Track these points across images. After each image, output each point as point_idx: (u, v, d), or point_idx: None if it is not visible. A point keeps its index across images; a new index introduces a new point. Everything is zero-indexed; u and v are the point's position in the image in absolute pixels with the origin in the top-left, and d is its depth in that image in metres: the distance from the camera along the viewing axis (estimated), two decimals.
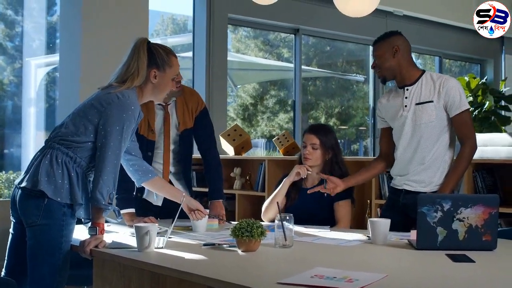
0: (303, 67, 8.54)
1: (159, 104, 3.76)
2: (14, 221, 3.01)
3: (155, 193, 3.72)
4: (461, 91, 3.45)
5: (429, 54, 10.24)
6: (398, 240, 3.03)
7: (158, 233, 2.83)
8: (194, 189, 4.46)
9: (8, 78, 6.62)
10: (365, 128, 10.05)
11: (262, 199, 4.87)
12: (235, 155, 6.02)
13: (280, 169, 5.41)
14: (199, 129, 3.90)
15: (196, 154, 4.03)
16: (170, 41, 8.72)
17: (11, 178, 6.44)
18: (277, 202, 3.16)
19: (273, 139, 6.16)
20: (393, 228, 3.02)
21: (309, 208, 3.78)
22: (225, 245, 2.85)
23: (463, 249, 2.70)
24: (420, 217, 2.75)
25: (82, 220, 2.99)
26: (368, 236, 3.09)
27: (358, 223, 4.85)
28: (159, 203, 3.81)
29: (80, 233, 3.05)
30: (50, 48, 6.85)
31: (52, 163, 2.85)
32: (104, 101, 2.92)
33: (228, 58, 7.63)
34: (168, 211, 3.62)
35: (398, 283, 2.16)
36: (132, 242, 2.88)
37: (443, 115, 3.45)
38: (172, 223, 2.98)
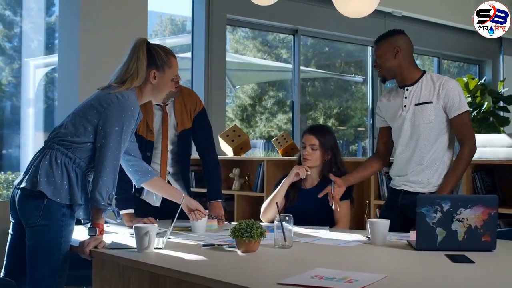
0: (301, 68, 8.55)
1: (157, 105, 3.76)
2: (13, 221, 3.01)
3: (155, 194, 3.72)
4: (460, 93, 3.45)
5: (428, 55, 10.26)
6: (397, 241, 3.03)
7: (157, 233, 2.83)
8: (192, 189, 4.47)
9: (7, 79, 6.63)
10: (363, 129, 10.05)
11: (261, 200, 4.88)
12: (234, 155, 6.02)
13: (279, 170, 5.41)
14: (197, 130, 3.90)
15: (195, 155, 4.03)
16: (168, 42, 8.73)
17: (10, 178, 6.44)
18: (277, 203, 3.16)
19: (272, 140, 6.16)
20: (392, 228, 3.02)
21: (308, 208, 3.78)
22: (224, 246, 2.84)
23: (463, 250, 2.70)
24: (419, 218, 2.75)
25: (82, 220, 2.99)
26: (367, 237, 3.09)
27: (357, 224, 4.85)
28: (158, 204, 3.80)
29: (80, 233, 3.05)
30: (49, 48, 6.85)
31: (51, 163, 2.85)
32: (103, 102, 2.92)
33: (227, 59, 7.64)
34: (166, 212, 3.63)
35: (398, 284, 2.16)
36: (132, 242, 2.88)
37: (442, 116, 3.45)
38: (172, 223, 2.98)
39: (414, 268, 2.50)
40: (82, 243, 2.83)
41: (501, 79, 9.92)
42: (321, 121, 9.49)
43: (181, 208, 3.26)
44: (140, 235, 2.71)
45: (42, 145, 2.99)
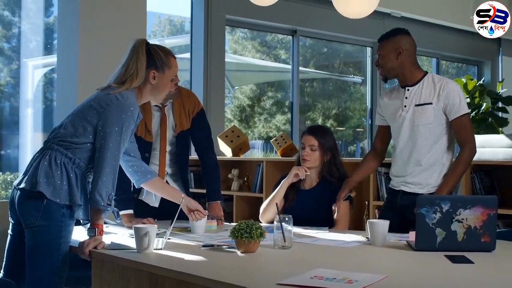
0: (300, 68, 8.55)
1: (156, 106, 3.76)
2: (12, 222, 3.01)
3: (154, 194, 3.72)
4: (461, 95, 3.45)
5: (427, 56, 10.26)
6: (397, 241, 3.03)
7: (157, 234, 2.83)
8: (191, 190, 4.46)
9: (5, 79, 6.62)
10: (362, 129, 10.05)
11: (260, 201, 4.88)
12: (232, 156, 6.02)
13: (278, 171, 5.41)
14: (196, 131, 3.90)
15: (194, 156, 4.03)
16: (167, 42, 8.74)
17: (8, 179, 6.44)
18: (276, 203, 3.16)
19: (271, 141, 6.16)
20: (390, 229, 3.02)
21: (307, 209, 3.77)
22: (224, 246, 2.84)
23: (462, 250, 2.70)
24: (419, 218, 2.75)
25: (81, 221, 2.99)
26: (366, 237, 3.09)
27: (356, 224, 4.85)
28: (157, 205, 3.80)
29: (79, 234, 3.05)
30: (47, 49, 6.85)
31: (51, 164, 2.85)
32: (103, 102, 2.91)
33: (226, 60, 7.64)
34: (165, 212, 3.63)
35: (398, 284, 2.16)
36: (131, 243, 2.87)
37: (441, 118, 3.45)
38: (171, 224, 2.98)
39: (413, 269, 2.50)
40: (81, 244, 2.83)
41: (500, 79, 9.92)
42: (319, 121, 9.49)
43: (181, 208, 3.25)
44: (139, 236, 2.71)
45: (41, 145, 2.99)
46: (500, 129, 8.00)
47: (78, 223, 3.01)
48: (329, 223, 3.75)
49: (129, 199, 3.69)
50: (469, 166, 3.57)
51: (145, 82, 3.03)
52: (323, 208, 3.78)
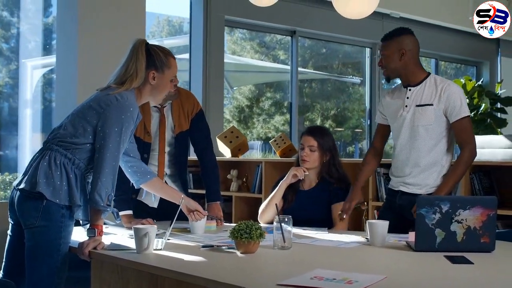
0: (299, 69, 8.55)
1: (154, 107, 3.76)
2: (12, 222, 3.01)
3: (153, 195, 3.72)
4: (462, 98, 3.44)
5: (425, 56, 10.26)
6: (396, 242, 3.03)
7: (156, 234, 2.83)
8: (190, 191, 4.47)
9: (4, 80, 6.62)
10: (361, 130, 10.06)
11: (259, 201, 4.88)
12: (231, 157, 6.02)
13: (277, 171, 5.41)
14: (195, 132, 3.90)
15: (193, 156, 4.03)
16: (166, 43, 8.73)
17: (7, 180, 6.43)
18: (276, 204, 3.15)
19: (270, 141, 6.16)
20: (389, 229, 3.01)
21: (306, 210, 3.78)
22: (223, 247, 2.84)
23: (462, 251, 2.70)
24: (418, 219, 2.76)
25: (81, 221, 2.99)
26: (366, 238, 3.09)
27: (355, 225, 4.85)
28: (155, 205, 3.80)
29: (79, 234, 3.05)
30: (46, 49, 6.84)
31: (50, 164, 2.85)
32: (102, 103, 2.91)
33: (224, 60, 7.63)
34: (164, 213, 3.63)
35: (398, 285, 2.16)
36: (131, 243, 2.87)
37: (442, 120, 3.45)
38: (171, 224, 2.98)
39: (413, 269, 2.50)
40: (81, 244, 2.83)
41: (499, 80, 9.92)
42: (318, 122, 9.49)
43: (180, 209, 3.25)
44: (139, 236, 2.71)
45: (40, 146, 2.99)
46: (499, 129, 8.01)
47: (77, 223, 3.01)
48: (328, 223, 3.75)
49: (129, 200, 3.68)
50: (469, 167, 3.57)
51: (144, 83, 3.03)
52: (322, 208, 3.79)
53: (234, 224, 2.86)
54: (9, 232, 3.03)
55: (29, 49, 6.85)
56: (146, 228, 2.72)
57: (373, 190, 4.89)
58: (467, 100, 7.78)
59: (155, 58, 3.04)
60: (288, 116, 8.65)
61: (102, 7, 5.63)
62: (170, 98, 3.71)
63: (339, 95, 10.18)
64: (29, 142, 6.63)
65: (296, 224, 3.06)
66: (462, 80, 8.18)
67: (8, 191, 6.22)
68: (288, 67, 8.55)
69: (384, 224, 2.97)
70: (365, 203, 3.79)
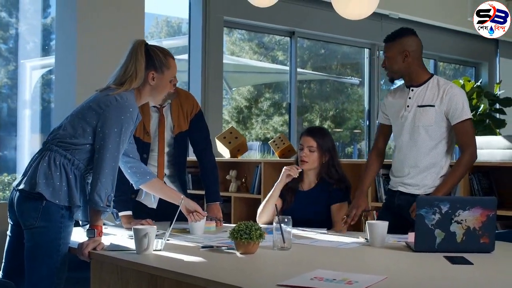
0: (298, 69, 8.55)
1: (154, 107, 3.75)
2: (11, 223, 3.00)
3: (153, 196, 3.72)
4: (464, 100, 3.44)
5: (424, 57, 10.24)
6: (395, 243, 3.04)
7: (156, 235, 2.83)
8: (189, 191, 4.46)
9: (3, 81, 6.61)
10: (359, 131, 10.06)
11: (258, 202, 4.88)
12: (230, 157, 6.02)
13: (276, 172, 5.39)
14: (194, 132, 3.89)
15: (192, 157, 4.03)
16: (164, 44, 8.72)
17: (6, 180, 6.43)
18: (276, 205, 3.15)
19: (269, 142, 6.16)
20: (388, 229, 3.02)
21: (305, 210, 3.77)
22: (223, 248, 2.84)
23: (461, 251, 2.70)
24: (418, 219, 2.76)
25: (80, 222, 2.98)
26: (365, 239, 3.09)
27: (355, 226, 4.84)
28: (155, 206, 3.80)
29: (78, 235, 3.05)
30: (45, 50, 6.84)
31: (50, 165, 2.85)
32: (102, 103, 2.91)
33: (223, 61, 7.63)
34: (163, 213, 3.63)
35: (398, 285, 2.16)
36: (130, 244, 2.87)
37: (442, 121, 3.44)
38: (171, 225, 2.98)
39: (413, 270, 2.50)
40: (80, 245, 2.83)
41: (497, 81, 9.93)
42: (317, 123, 9.49)
43: (179, 209, 3.25)
44: (139, 237, 2.71)
45: (39, 147, 2.99)
46: (498, 130, 8.01)
47: (77, 224, 3.01)
48: (327, 224, 3.75)
49: (128, 201, 3.68)
50: (469, 170, 3.56)
51: (144, 83, 3.03)
52: (321, 209, 3.78)
53: (233, 225, 2.86)
54: (8, 232, 3.03)
55: (27, 49, 6.84)
56: (146, 228, 2.72)
57: (372, 191, 4.90)
58: None
59: (154, 58, 3.04)
60: (287, 116, 8.65)
61: (101, 8, 5.63)
62: (169, 98, 3.70)
63: (338, 96, 10.18)
64: (28, 143, 6.63)
65: (295, 224, 3.06)
66: (461, 81, 8.17)
67: (7, 191, 6.21)
68: (287, 68, 8.55)
69: (383, 225, 2.97)
70: (370, 210, 3.77)
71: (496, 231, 3.07)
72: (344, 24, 6.47)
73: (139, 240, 2.71)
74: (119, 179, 3.00)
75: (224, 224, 3.79)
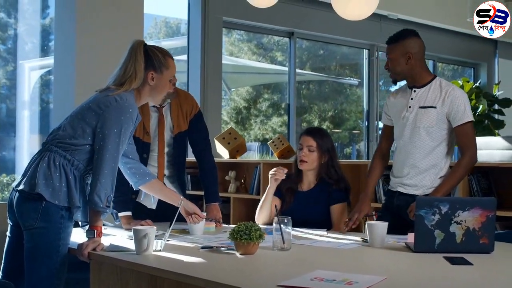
0: (296, 70, 8.55)
1: (153, 106, 3.75)
2: (11, 224, 3.00)
3: (152, 196, 3.72)
4: (466, 103, 3.43)
5: None
6: (395, 243, 3.04)
7: (155, 236, 2.83)
8: (188, 192, 4.46)
9: (1, 81, 6.60)
10: (358, 131, 10.06)
11: (257, 202, 4.84)
12: (230, 158, 6.01)
13: None
14: (194, 133, 3.89)
15: (191, 158, 4.02)
16: (163, 44, 8.70)
17: (5, 181, 6.42)
18: (275, 205, 3.15)
19: (268, 143, 6.16)
20: (387, 229, 3.01)
21: (305, 211, 3.77)
22: (223, 248, 2.84)
23: (461, 252, 2.70)
24: (418, 220, 2.76)
25: (80, 223, 2.98)
26: (365, 239, 3.09)
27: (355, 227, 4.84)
28: (154, 207, 3.80)
29: (78, 236, 3.05)
30: (44, 50, 6.83)
31: (49, 166, 2.85)
32: (102, 104, 2.91)
33: (222, 62, 7.64)
34: (162, 214, 3.63)
35: (397, 286, 2.16)
36: (130, 245, 2.87)
37: (444, 123, 3.44)
38: (170, 226, 2.97)
39: (413, 270, 2.50)
40: (80, 246, 2.82)
41: (496, 82, 9.94)
42: (316, 123, 9.49)
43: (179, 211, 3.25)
44: (138, 238, 2.71)
45: (38, 147, 2.99)
46: (497, 131, 8.02)
47: (77, 225, 3.01)
48: (327, 225, 3.75)
49: (128, 201, 3.68)
50: (469, 172, 3.56)
51: (143, 84, 3.03)
52: (321, 209, 3.78)
53: (233, 225, 2.86)
54: (8, 233, 3.03)
55: (26, 50, 6.84)
56: (146, 229, 2.72)
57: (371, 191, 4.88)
58: None
59: (154, 58, 3.04)
60: (285, 117, 8.65)
61: (100, 9, 5.63)
62: (169, 97, 3.70)
63: (337, 97, 10.19)
64: (26, 143, 6.63)
65: (294, 225, 3.06)
66: (460, 82, 8.18)
67: (6, 192, 6.21)
68: (286, 69, 8.55)
69: (383, 225, 2.97)
70: (374, 213, 3.76)
71: (496, 232, 3.07)
72: (343, 24, 6.48)
73: (139, 241, 2.71)
74: (118, 180, 3.00)
75: (223, 225, 3.79)
